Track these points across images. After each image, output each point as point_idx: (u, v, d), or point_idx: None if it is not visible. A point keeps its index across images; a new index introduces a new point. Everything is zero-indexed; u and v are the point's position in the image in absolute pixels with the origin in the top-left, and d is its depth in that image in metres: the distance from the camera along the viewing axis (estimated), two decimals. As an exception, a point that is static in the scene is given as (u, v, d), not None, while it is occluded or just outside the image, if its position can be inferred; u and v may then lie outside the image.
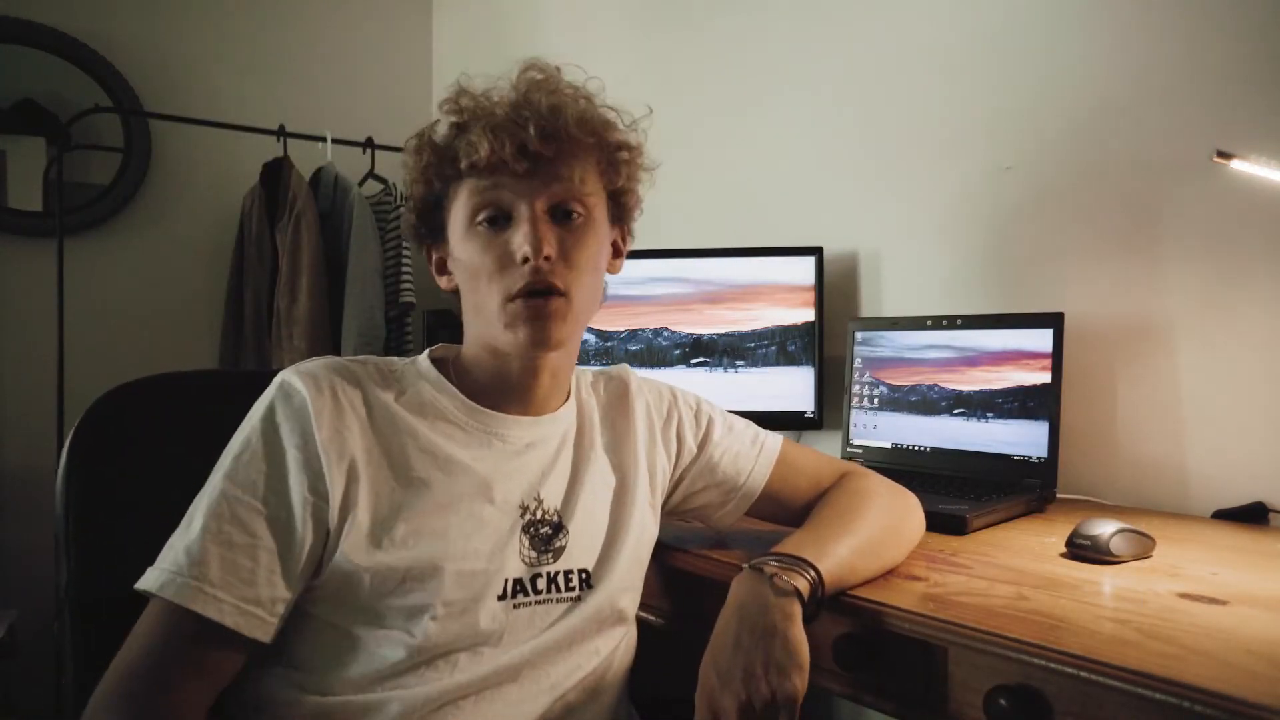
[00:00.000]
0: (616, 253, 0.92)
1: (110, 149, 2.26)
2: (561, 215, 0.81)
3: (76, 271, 2.12)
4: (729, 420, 1.01)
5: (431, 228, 0.87)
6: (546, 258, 0.78)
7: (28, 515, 2.12)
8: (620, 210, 0.90)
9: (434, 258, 0.89)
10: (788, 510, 0.98)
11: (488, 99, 0.82)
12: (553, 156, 0.80)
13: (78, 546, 0.89)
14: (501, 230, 0.80)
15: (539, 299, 0.79)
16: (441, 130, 0.83)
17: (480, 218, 0.81)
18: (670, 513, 1.00)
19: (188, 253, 2.37)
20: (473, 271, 0.82)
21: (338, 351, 2.13)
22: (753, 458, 0.98)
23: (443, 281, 0.89)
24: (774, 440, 1.01)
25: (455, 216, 0.83)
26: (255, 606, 0.71)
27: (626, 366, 1.00)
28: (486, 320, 0.82)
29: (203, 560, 0.70)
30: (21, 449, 2.14)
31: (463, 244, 0.82)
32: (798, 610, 0.75)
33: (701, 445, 0.98)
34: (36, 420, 2.08)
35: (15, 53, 2.14)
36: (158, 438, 0.95)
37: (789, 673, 0.71)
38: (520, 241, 0.79)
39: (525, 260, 0.78)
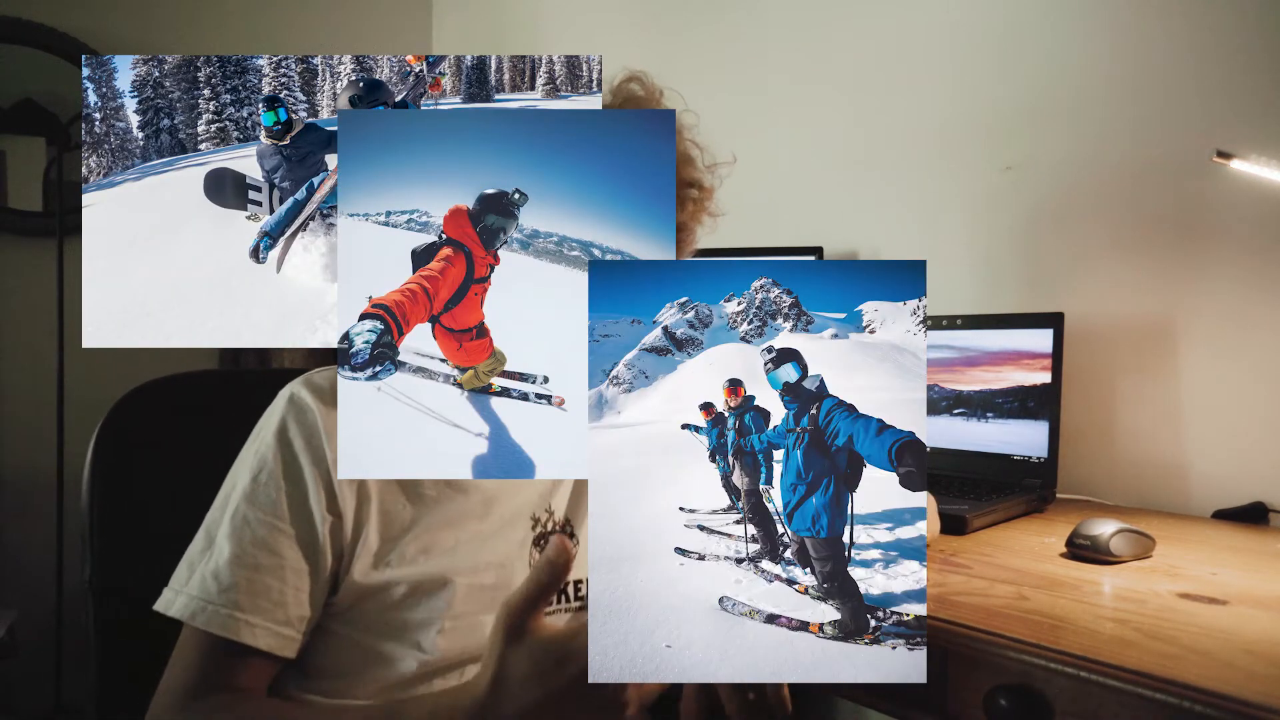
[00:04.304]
0: None
1: (110, 149, 2.26)
2: None
3: (76, 271, 2.11)
4: None
5: None
6: None
7: (28, 515, 2.11)
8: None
9: None
10: None
11: None
12: None
13: (100, 541, 0.91)
14: None
15: None
16: None
17: None
18: None
19: (188, 252, 2.37)
20: None
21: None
22: None
23: None
24: None
25: None
26: (285, 627, 0.71)
27: None
28: None
29: (233, 586, 0.70)
30: (21, 449, 2.14)
31: None
32: None
33: None
34: (36, 420, 2.08)
35: (15, 53, 2.14)
36: (178, 435, 0.96)
37: None
38: None
39: None
